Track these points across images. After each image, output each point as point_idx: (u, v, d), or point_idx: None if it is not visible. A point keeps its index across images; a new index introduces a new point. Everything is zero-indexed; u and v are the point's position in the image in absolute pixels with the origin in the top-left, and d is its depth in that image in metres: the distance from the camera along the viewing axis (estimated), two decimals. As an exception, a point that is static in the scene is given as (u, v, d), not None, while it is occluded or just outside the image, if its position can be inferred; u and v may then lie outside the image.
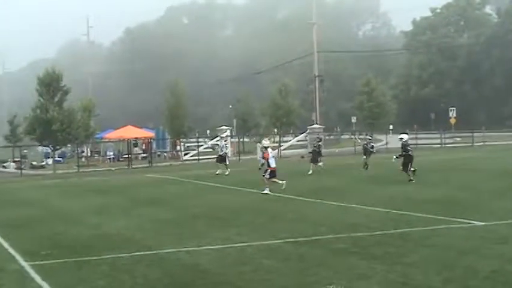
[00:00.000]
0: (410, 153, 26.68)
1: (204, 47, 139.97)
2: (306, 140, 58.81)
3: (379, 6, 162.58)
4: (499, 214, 16.31)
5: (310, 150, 37.73)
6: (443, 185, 24.83)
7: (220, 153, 35.72)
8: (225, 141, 44.53)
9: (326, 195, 21.93)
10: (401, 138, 27.66)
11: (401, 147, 27.04)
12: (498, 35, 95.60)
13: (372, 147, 35.18)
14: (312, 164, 32.92)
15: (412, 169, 26.31)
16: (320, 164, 33.16)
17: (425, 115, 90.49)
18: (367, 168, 32.72)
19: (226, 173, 34.07)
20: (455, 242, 13.06)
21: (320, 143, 36.13)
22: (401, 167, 26.78)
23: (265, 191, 23.37)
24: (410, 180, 25.50)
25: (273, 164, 24.26)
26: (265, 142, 26.31)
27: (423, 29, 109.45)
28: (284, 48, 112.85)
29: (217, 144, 40.98)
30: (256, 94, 78.73)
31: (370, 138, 38.35)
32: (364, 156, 34.05)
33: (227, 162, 35.30)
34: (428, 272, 10.53)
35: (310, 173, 32.08)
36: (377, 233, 14.42)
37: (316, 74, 69.09)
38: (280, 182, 24.19)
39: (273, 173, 24.26)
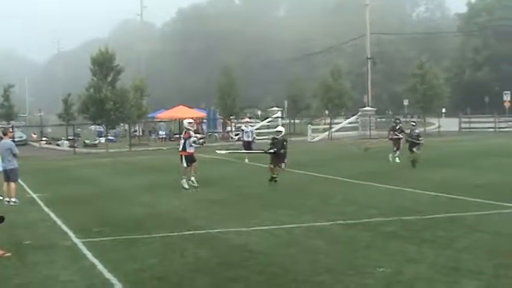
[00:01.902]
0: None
1: (256, 28, 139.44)
2: (357, 123, 58.48)
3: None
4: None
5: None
6: (495, 169, 24.46)
7: (246, 139, 31.71)
8: (252, 125, 37.98)
9: (375, 178, 21.79)
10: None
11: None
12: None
13: (418, 136, 26.73)
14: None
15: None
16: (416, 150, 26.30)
17: (479, 99, 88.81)
18: (414, 165, 25.26)
19: (247, 161, 29.54)
20: (507, 227, 12.88)
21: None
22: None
23: (184, 184, 20.70)
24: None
25: (190, 149, 21.03)
26: (186, 122, 22.03)
27: (478, 11, 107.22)
28: (337, 30, 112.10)
29: (242, 129, 34.46)
30: (309, 76, 78.49)
31: (413, 124, 28.65)
32: (412, 149, 26.17)
33: (252, 150, 29.16)
34: (479, 258, 10.40)
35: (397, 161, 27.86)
36: (427, 216, 14.29)
37: (369, 56, 68.40)
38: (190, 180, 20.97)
39: (189, 159, 20.91)
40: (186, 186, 20.44)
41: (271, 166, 20.88)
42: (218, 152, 24.18)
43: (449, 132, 54.31)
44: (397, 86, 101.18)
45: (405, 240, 11.92)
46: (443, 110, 73.21)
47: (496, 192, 17.53)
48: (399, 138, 28.04)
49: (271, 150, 20.75)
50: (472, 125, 59.88)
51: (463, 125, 59.73)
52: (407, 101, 74.85)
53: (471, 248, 11.16)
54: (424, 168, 24.34)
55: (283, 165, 20.98)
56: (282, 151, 20.88)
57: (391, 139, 28.75)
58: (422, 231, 12.68)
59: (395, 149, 28.07)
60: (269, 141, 22.05)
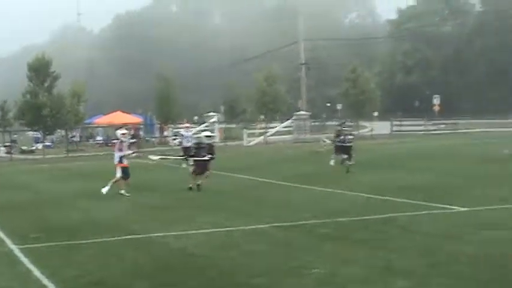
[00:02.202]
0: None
1: (193, 35, 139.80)
2: (292, 127, 59.12)
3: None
4: (482, 200, 16.56)
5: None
6: (427, 171, 25.04)
7: (186, 144, 29.89)
8: (190, 131, 35.43)
9: (310, 181, 22.13)
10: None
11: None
12: (481, 24, 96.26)
13: (350, 141, 26.59)
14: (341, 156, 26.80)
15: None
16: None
17: (409, 102, 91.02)
18: (347, 171, 24.84)
19: (184, 166, 27.22)
20: (438, 228, 13.27)
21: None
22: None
23: (105, 189, 20.27)
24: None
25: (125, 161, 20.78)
26: (119, 132, 21.41)
27: (408, 18, 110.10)
28: (272, 37, 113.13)
29: (182, 134, 33.61)
30: (245, 81, 78.85)
31: (347, 128, 28.46)
32: (345, 156, 26.26)
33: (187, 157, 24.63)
34: (412, 257, 10.71)
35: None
36: (360, 218, 14.62)
37: (303, 61, 69.27)
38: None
39: (126, 171, 20.71)
40: (126, 194, 20.28)
41: (194, 173, 20.85)
42: (151, 157, 24.08)
43: (381, 135, 55.39)
44: (330, 91, 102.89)
45: (339, 242, 12.19)
46: (375, 114, 74.65)
47: (427, 194, 18.00)
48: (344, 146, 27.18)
49: (207, 158, 20.76)
50: (403, 128, 61.17)
51: (394, 128, 60.99)
52: (340, 105, 76.11)
53: (403, 248, 11.44)
54: (358, 171, 24.81)
55: (207, 173, 20.91)
56: (208, 157, 20.85)
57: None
58: (355, 233, 12.96)
59: (337, 154, 27.72)
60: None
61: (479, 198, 17.02)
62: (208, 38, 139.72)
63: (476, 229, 12.88)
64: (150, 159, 23.79)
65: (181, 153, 29.22)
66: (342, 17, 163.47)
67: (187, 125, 39.20)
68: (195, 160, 20.99)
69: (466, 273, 9.66)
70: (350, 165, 24.86)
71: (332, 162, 27.84)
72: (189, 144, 29.32)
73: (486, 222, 13.62)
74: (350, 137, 26.81)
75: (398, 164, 28.87)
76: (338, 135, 27.72)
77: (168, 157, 25.63)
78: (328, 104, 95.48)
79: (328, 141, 26.10)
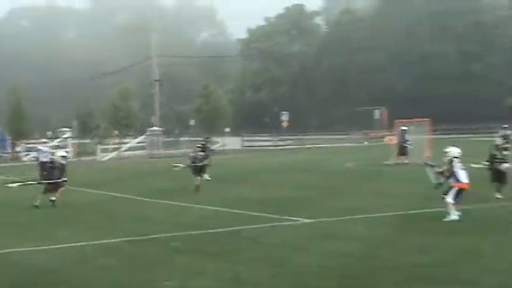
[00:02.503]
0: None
1: (46, 49, 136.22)
2: (145, 142, 58.93)
3: (216, 15, 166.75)
4: (327, 212, 17.29)
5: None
6: (275, 185, 25.80)
7: (44, 160, 27.61)
8: (47, 146, 34.41)
9: (164, 195, 22.22)
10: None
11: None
12: (327, 44, 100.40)
13: (204, 158, 25.21)
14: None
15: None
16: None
17: (259, 118, 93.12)
18: (197, 189, 23.57)
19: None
20: (286, 239, 13.80)
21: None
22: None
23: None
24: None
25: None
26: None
27: (258, 37, 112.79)
28: (126, 52, 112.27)
29: (40, 149, 31.87)
30: (100, 97, 77.83)
31: (200, 145, 26.71)
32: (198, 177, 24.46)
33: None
34: (259, 269, 11.13)
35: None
36: (211, 231, 14.95)
37: (156, 78, 69.34)
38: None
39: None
40: None
41: (45, 191, 20.55)
42: (10, 185, 23.01)
43: (233, 150, 56.37)
44: (184, 107, 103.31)
45: (191, 255, 12.47)
46: (227, 129, 75.98)
47: (276, 207, 18.59)
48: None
49: (60, 180, 20.55)
50: (254, 143, 62.55)
51: (245, 143, 62.21)
52: (193, 121, 76.75)
53: (251, 259, 11.86)
54: (211, 185, 25.20)
55: (60, 189, 20.66)
56: (61, 180, 20.63)
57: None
58: (207, 245, 13.30)
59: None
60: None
61: (325, 210, 17.77)
62: (62, 52, 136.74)
63: (320, 240, 13.54)
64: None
65: (38, 168, 28.44)
66: (195, 35, 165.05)
67: (45, 140, 38.15)
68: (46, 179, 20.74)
69: (311, 283, 10.22)
70: (197, 186, 24.37)
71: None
72: (45, 160, 28.52)
73: (329, 233, 14.31)
74: (201, 153, 25.42)
75: (248, 178, 29.56)
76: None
77: (26, 183, 24.58)
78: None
79: (181, 165, 25.83)
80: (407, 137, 34.81)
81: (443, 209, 15.57)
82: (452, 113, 78.44)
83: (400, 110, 65.26)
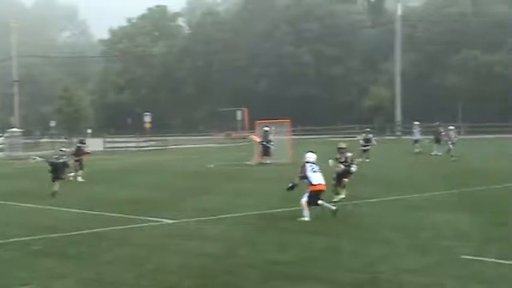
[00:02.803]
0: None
1: None
2: (4, 144, 56.78)
3: (77, 14, 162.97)
4: (188, 212, 17.53)
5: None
6: (138, 186, 25.85)
7: None
8: None
9: (23, 198, 21.68)
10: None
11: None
12: (189, 45, 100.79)
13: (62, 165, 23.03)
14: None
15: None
16: None
17: (122, 120, 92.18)
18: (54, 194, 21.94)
19: None
20: (147, 240, 13.93)
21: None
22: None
23: None
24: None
25: None
26: None
27: (120, 38, 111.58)
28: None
29: None
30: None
31: (62, 149, 25.54)
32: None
33: None
34: (121, 269, 11.19)
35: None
36: (72, 233, 14.80)
37: (15, 78, 67.09)
38: None
39: None
40: None
41: None
42: None
43: (95, 152, 55.37)
44: (44, 107, 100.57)
45: (51, 257, 12.32)
46: (89, 131, 74.75)
47: (138, 207, 18.70)
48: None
49: None
50: (116, 145, 61.76)
51: (107, 145, 61.32)
52: (54, 121, 74.94)
53: (114, 261, 11.91)
54: (74, 187, 24.83)
55: None
56: None
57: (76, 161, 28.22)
58: (67, 248, 13.15)
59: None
60: None
61: (186, 210, 17.99)
62: None
63: (182, 240, 13.74)
64: None
65: None
66: (56, 35, 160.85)
67: None
68: None
69: (172, 281, 10.40)
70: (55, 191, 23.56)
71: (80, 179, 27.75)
72: None
73: (190, 233, 14.54)
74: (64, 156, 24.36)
75: (111, 179, 29.39)
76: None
77: None
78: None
79: (38, 159, 25.30)
80: (270, 137, 35.58)
81: (299, 208, 16.25)
82: (312, 114, 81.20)
83: (261, 111, 66.77)
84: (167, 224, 16.01)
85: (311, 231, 14.33)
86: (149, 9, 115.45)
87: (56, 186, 22.09)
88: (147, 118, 68.72)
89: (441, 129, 39.83)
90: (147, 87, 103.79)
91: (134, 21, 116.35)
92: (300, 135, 63.29)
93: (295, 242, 13.20)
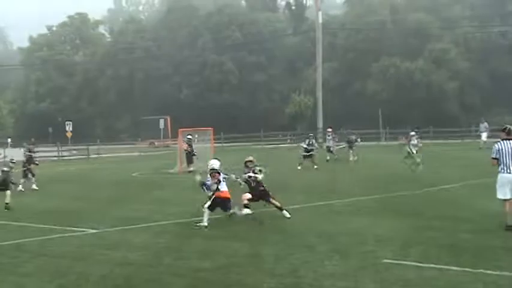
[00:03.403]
0: None
1: None
2: None
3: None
4: (110, 222, 17.38)
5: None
6: (59, 195, 25.53)
7: None
8: None
9: None
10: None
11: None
12: (111, 53, 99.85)
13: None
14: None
15: None
16: None
17: (43, 129, 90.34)
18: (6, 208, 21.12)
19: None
20: (69, 250, 13.79)
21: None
22: None
23: None
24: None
25: None
26: None
27: (40, 46, 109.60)
28: None
29: None
30: None
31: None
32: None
33: None
34: (43, 280, 11.10)
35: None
36: (-9, 245, 14.51)
37: None
38: None
39: None
40: None
41: None
42: None
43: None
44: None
45: (-31, 270, 12.06)
46: (9, 140, 73.16)
47: (60, 217, 18.51)
48: None
49: None
50: (37, 154, 60.35)
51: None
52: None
53: (34, 272, 11.80)
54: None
55: None
56: None
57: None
58: (-14, 260, 12.89)
59: None
60: None
61: (108, 220, 17.84)
62: None
63: (105, 250, 13.65)
64: None
65: None
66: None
67: None
68: None
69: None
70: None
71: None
72: None
73: (113, 243, 14.46)
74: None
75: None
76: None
77: None
78: None
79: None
80: (193, 145, 35.55)
81: (223, 215, 16.35)
82: (235, 122, 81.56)
83: (184, 119, 66.67)
84: (90, 233, 15.86)
85: (235, 238, 14.46)
86: (69, 16, 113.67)
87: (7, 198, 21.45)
88: (68, 127, 67.56)
89: (354, 137, 39.43)
90: (68, 96, 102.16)
91: (54, 29, 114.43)
92: (223, 143, 63.58)
93: (219, 249, 13.26)
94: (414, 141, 33.27)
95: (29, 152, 30.69)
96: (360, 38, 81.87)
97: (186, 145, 35.15)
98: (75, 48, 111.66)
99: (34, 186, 28.57)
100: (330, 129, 41.60)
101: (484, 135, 48.75)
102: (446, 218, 16.21)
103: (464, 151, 44.83)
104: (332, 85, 77.78)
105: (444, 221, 15.75)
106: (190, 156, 35.07)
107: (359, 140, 39.93)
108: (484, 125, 49.77)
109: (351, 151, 38.58)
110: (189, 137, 35.90)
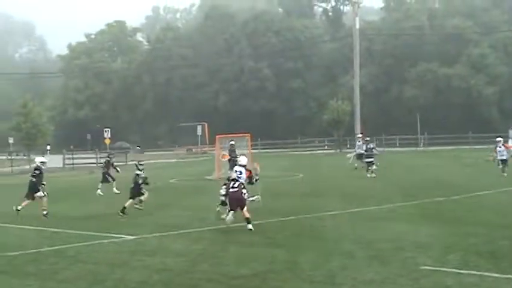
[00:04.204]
0: None
1: None
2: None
3: (35, 30, 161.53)
4: (149, 228, 17.43)
5: None
6: (99, 202, 25.73)
7: None
8: None
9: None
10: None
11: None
12: (148, 61, 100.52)
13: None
14: None
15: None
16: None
17: (82, 135, 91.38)
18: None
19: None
20: (107, 256, 13.86)
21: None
22: None
23: None
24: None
25: None
26: None
27: (79, 54, 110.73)
28: None
29: None
30: None
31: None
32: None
33: None
34: (80, 287, 11.19)
35: None
36: (31, 251, 14.62)
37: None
38: None
39: None
40: None
41: None
42: None
43: (55, 169, 54.92)
44: (2, 125, 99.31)
45: (10, 276, 12.24)
46: (48, 147, 74.05)
47: (98, 224, 18.64)
48: None
49: None
50: (76, 161, 61.26)
51: (67, 161, 60.76)
52: (12, 138, 74.09)
53: (73, 278, 11.88)
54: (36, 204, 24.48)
55: None
56: None
57: None
58: (26, 266, 13.04)
59: None
60: None
61: (146, 226, 17.90)
62: None
63: (143, 256, 13.69)
64: None
65: None
66: (12, 51, 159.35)
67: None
68: None
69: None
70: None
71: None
72: None
73: (151, 249, 14.52)
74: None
75: (72, 196, 29.12)
76: None
77: None
78: None
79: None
80: (236, 151, 35.24)
81: (263, 221, 16.32)
82: (271, 128, 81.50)
83: (221, 126, 66.83)
84: (128, 240, 15.93)
85: (272, 245, 14.42)
86: (108, 24, 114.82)
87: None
88: (107, 134, 68.20)
89: (371, 145, 36.12)
90: (106, 102, 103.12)
91: (93, 36, 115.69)
92: (260, 149, 63.60)
93: (255, 256, 13.22)
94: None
95: (108, 157, 31.56)
96: (397, 43, 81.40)
97: (226, 154, 34.73)
98: (113, 56, 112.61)
99: (115, 190, 28.81)
100: (360, 135, 39.58)
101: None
102: (485, 224, 15.98)
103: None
104: (369, 91, 77.35)
105: (483, 227, 15.52)
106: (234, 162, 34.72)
107: (375, 149, 36.29)
108: None
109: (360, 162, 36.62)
110: (232, 142, 35.37)
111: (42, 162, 22.14)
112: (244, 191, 17.09)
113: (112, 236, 16.34)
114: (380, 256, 12.70)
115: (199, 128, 78.50)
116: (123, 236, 16.35)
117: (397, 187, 26.04)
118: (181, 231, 16.87)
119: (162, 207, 22.70)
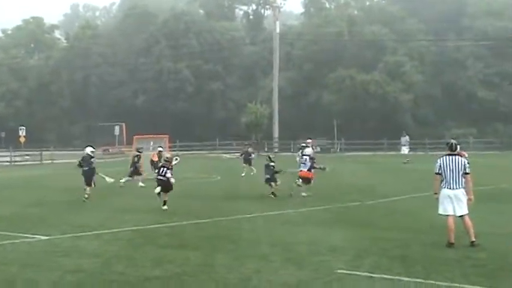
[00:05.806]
0: None
1: None
2: None
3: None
4: (64, 228, 17.16)
5: None
6: (11, 201, 25.03)
7: None
8: None
9: None
10: None
11: None
12: (66, 58, 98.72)
13: None
14: None
15: None
16: None
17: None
18: None
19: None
20: (19, 257, 13.56)
21: None
22: None
23: None
24: None
25: None
26: None
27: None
28: None
29: None
30: None
31: None
32: None
33: None
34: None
35: None
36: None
37: None
38: None
39: None
40: None
41: None
42: None
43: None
44: None
45: None
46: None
47: (11, 224, 18.26)
48: None
49: None
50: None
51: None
52: None
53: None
54: None
55: None
56: None
57: None
58: None
59: None
60: None
61: (62, 226, 17.62)
62: None
63: (56, 257, 13.48)
64: None
65: None
66: None
67: None
68: None
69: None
70: None
71: None
72: None
73: (65, 249, 14.30)
74: None
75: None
76: None
77: None
78: None
79: None
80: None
81: (179, 223, 16.23)
82: (191, 130, 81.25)
83: (140, 126, 66.18)
84: (41, 240, 15.63)
85: (187, 247, 14.40)
86: (24, 20, 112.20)
87: None
88: (21, 132, 66.59)
89: (250, 149, 37.86)
90: (22, 100, 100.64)
91: (9, 32, 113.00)
92: (179, 151, 63.28)
93: (171, 258, 13.18)
94: None
95: (138, 151, 32.88)
96: (316, 48, 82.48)
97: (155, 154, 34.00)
98: (30, 52, 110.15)
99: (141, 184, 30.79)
100: (309, 140, 33.89)
101: (404, 149, 49.59)
102: (398, 228, 16.39)
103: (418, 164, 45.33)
104: (288, 95, 78.16)
105: (397, 231, 15.91)
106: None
107: (254, 154, 38.42)
108: (405, 139, 50.35)
109: (246, 165, 36.87)
110: (160, 148, 34.43)
111: None
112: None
113: (25, 236, 15.99)
114: (295, 259, 12.83)
115: (117, 128, 77.56)
116: (36, 236, 16.02)
117: (314, 191, 26.34)
118: (97, 232, 16.65)
119: (78, 208, 22.34)
